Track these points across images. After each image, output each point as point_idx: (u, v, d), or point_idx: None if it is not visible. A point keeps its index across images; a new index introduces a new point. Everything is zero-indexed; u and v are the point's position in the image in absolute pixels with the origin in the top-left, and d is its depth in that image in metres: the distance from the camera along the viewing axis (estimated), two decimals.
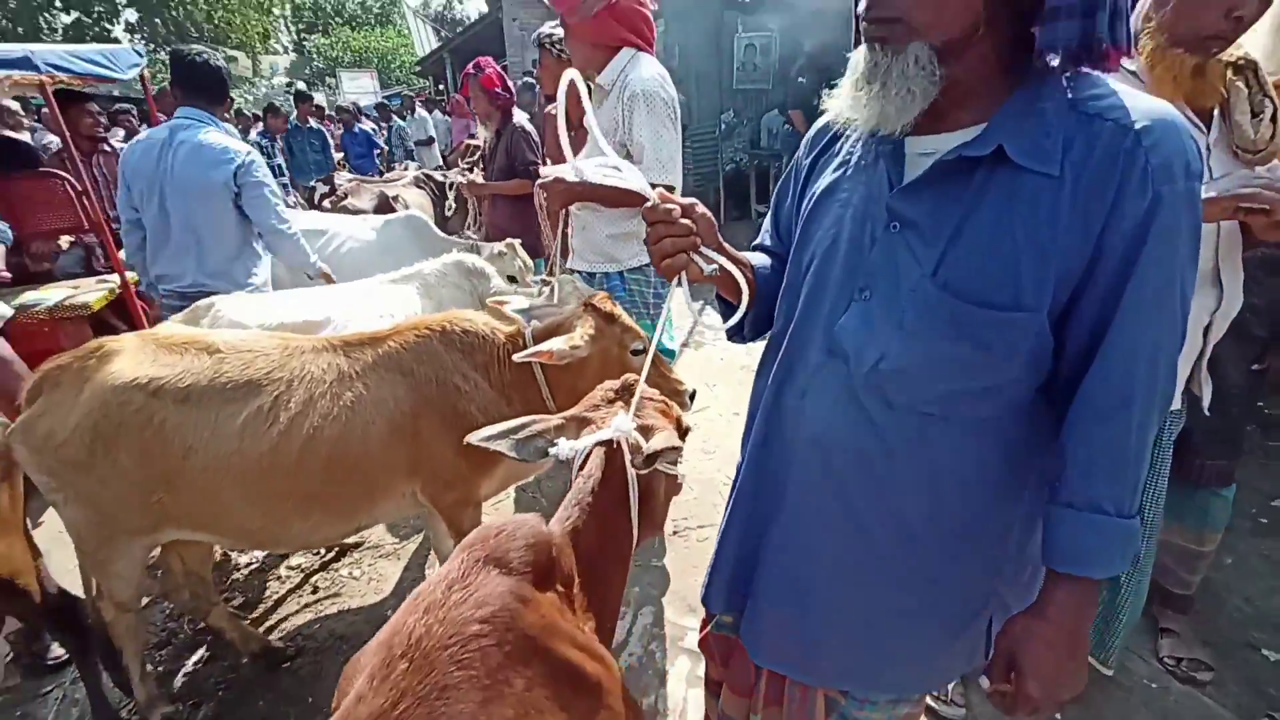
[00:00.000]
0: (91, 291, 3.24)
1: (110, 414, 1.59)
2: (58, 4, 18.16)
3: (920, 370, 0.81)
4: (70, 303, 3.10)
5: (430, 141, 9.69)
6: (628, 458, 1.07)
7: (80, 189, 3.28)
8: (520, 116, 3.77)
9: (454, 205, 4.75)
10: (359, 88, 21.03)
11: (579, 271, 2.43)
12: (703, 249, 0.89)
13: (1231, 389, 1.66)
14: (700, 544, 2.68)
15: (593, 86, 2.13)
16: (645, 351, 1.68)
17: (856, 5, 0.79)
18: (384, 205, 5.12)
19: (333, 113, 12.03)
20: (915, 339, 0.80)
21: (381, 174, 8.69)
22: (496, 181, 3.69)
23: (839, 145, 0.94)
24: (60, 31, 18.98)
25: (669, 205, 0.86)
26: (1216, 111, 1.30)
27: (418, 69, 18.26)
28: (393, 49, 29.26)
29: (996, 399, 0.82)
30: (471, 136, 6.34)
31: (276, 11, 25.24)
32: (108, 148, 4.05)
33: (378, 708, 0.72)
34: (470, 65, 3.66)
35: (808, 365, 0.92)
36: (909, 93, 0.74)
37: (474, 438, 1.12)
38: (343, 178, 6.38)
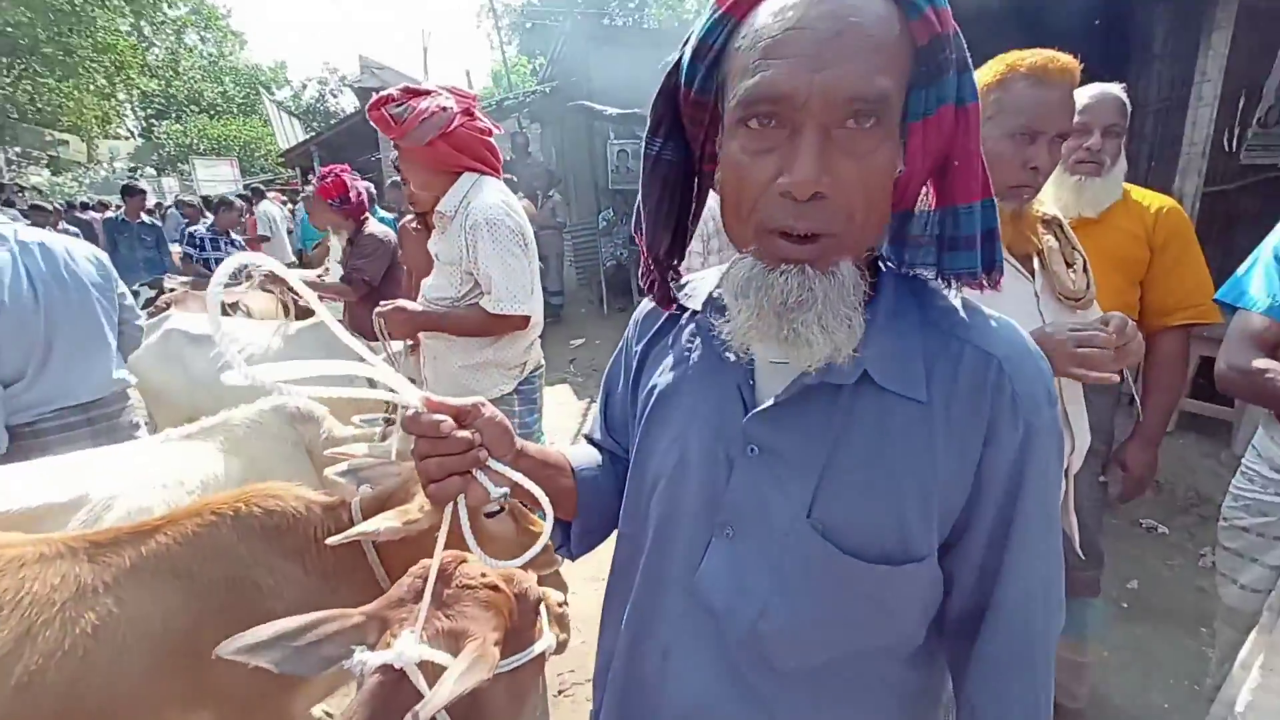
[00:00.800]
0: None
1: None
2: None
3: (809, 631, 0.68)
4: None
5: (264, 239, 8.58)
6: (419, 683, 0.85)
7: None
8: (373, 225, 3.53)
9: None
10: (215, 175, 19.73)
11: None
12: (491, 464, 0.68)
13: (1086, 504, 1.71)
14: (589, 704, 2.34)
15: (437, 214, 1.96)
16: (502, 511, 1.41)
17: (741, 215, 0.63)
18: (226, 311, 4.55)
19: (183, 200, 10.89)
20: (800, 594, 0.67)
21: None
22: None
23: (673, 334, 0.80)
24: None
25: (436, 416, 0.65)
26: (1036, 261, 1.36)
27: (282, 160, 17.52)
28: (257, 138, 28.12)
29: (894, 652, 0.71)
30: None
31: (121, 97, 23.45)
32: None
33: None
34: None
35: (668, 616, 0.74)
36: (847, 322, 0.61)
37: (225, 648, 0.90)
38: (176, 280, 5.65)
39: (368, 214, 3.59)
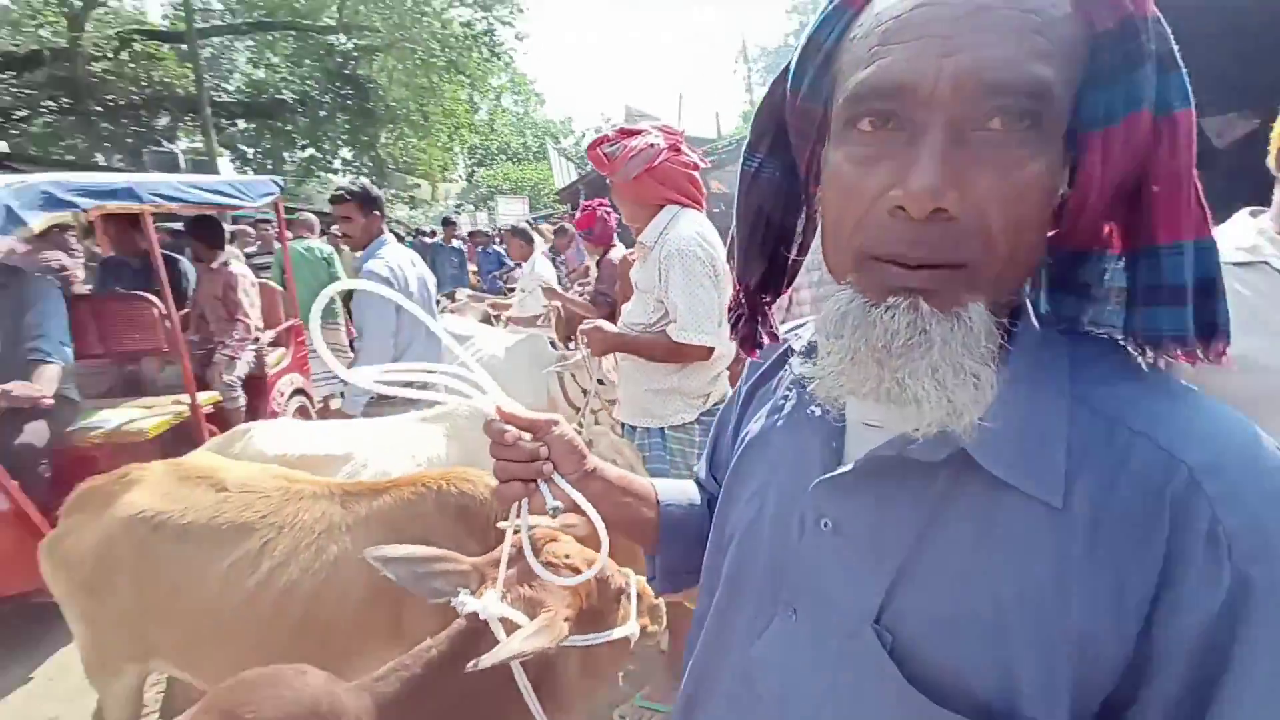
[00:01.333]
0: (153, 416, 3.20)
1: (116, 544, 1.63)
2: (299, 142, 23.01)
3: None
4: (127, 428, 3.06)
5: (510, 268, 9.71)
6: (499, 634, 0.98)
7: (164, 312, 3.36)
8: (615, 252, 3.96)
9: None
10: (512, 211, 24.03)
11: (624, 424, 2.30)
12: (556, 478, 0.70)
13: None
14: None
15: (638, 244, 2.10)
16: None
17: (836, 238, 0.52)
18: (486, 321, 5.49)
19: (484, 231, 13.54)
20: (854, 710, 0.52)
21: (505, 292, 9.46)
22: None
23: (777, 378, 0.72)
24: (298, 163, 23.94)
25: (503, 426, 0.69)
26: None
27: (558, 197, 20.60)
28: (544, 179, 33.47)
29: None
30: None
31: (456, 149, 29.98)
32: (228, 263, 4.01)
33: None
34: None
35: (713, 696, 0.66)
36: (973, 379, 0.46)
37: (370, 552, 1.08)
38: (463, 294, 6.99)
39: (613, 243, 4.05)
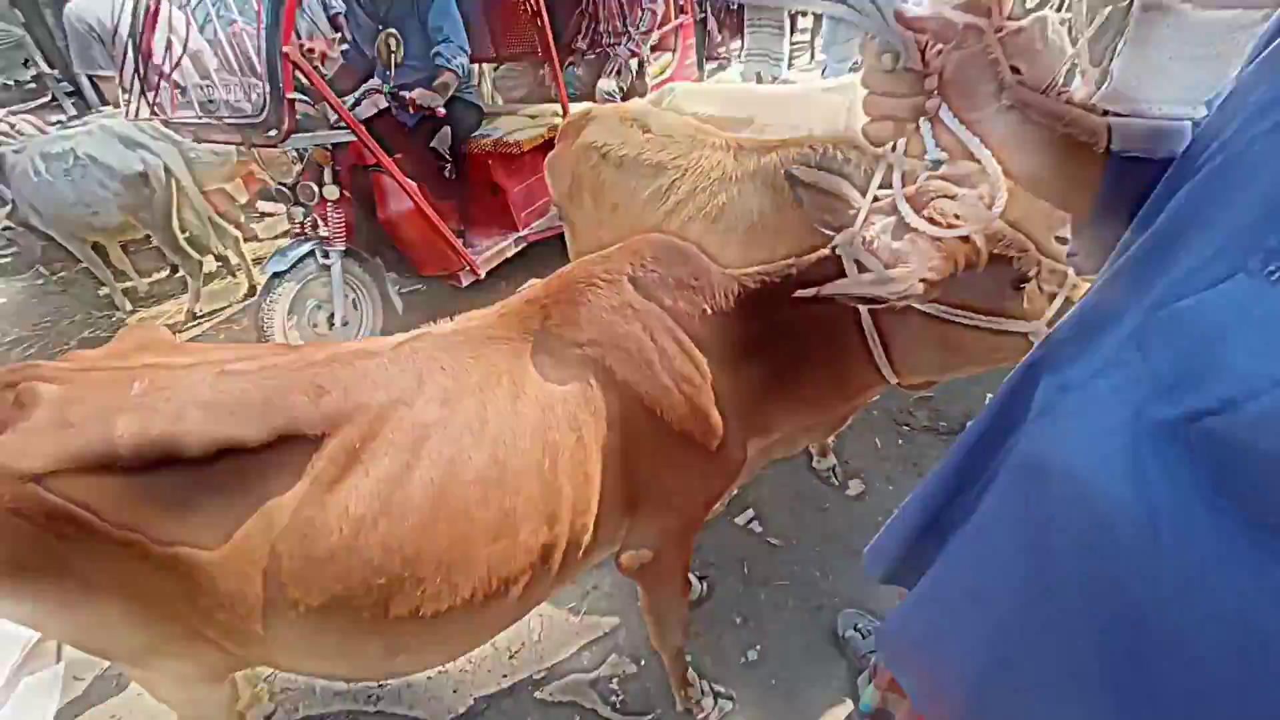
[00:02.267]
0: (532, 128, 3.27)
1: (579, 165, 2.14)
2: None
3: None
4: (506, 139, 3.16)
5: None
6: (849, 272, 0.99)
7: (535, 9, 3.12)
8: None
9: None
10: None
11: None
12: (944, 115, 0.57)
13: None
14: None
15: None
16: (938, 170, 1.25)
17: None
18: None
19: None
20: None
21: None
22: None
23: None
24: None
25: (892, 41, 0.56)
26: None
27: None
28: None
29: None
30: None
31: None
32: None
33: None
34: None
35: (1077, 364, 0.55)
36: None
37: (792, 168, 1.19)
38: None
39: None
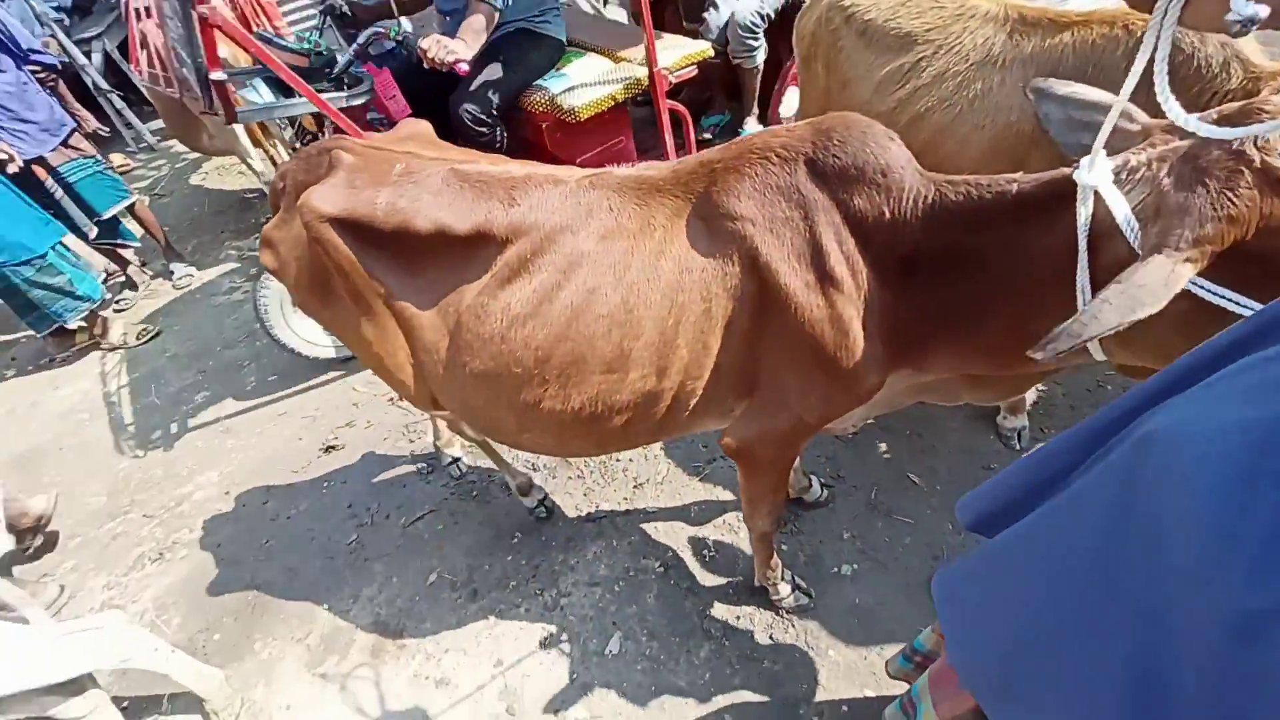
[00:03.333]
0: (598, 87, 2.41)
1: (821, 26, 1.90)
2: None
3: None
4: (561, 100, 2.36)
5: None
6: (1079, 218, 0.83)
7: None
8: None
9: None
10: None
11: None
12: None
13: None
14: None
15: None
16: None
17: None
18: None
19: None
20: None
21: None
22: None
23: None
24: None
25: None
26: None
27: None
28: None
29: None
30: None
31: None
32: None
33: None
34: None
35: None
36: None
37: (1036, 82, 1.01)
38: None
39: None
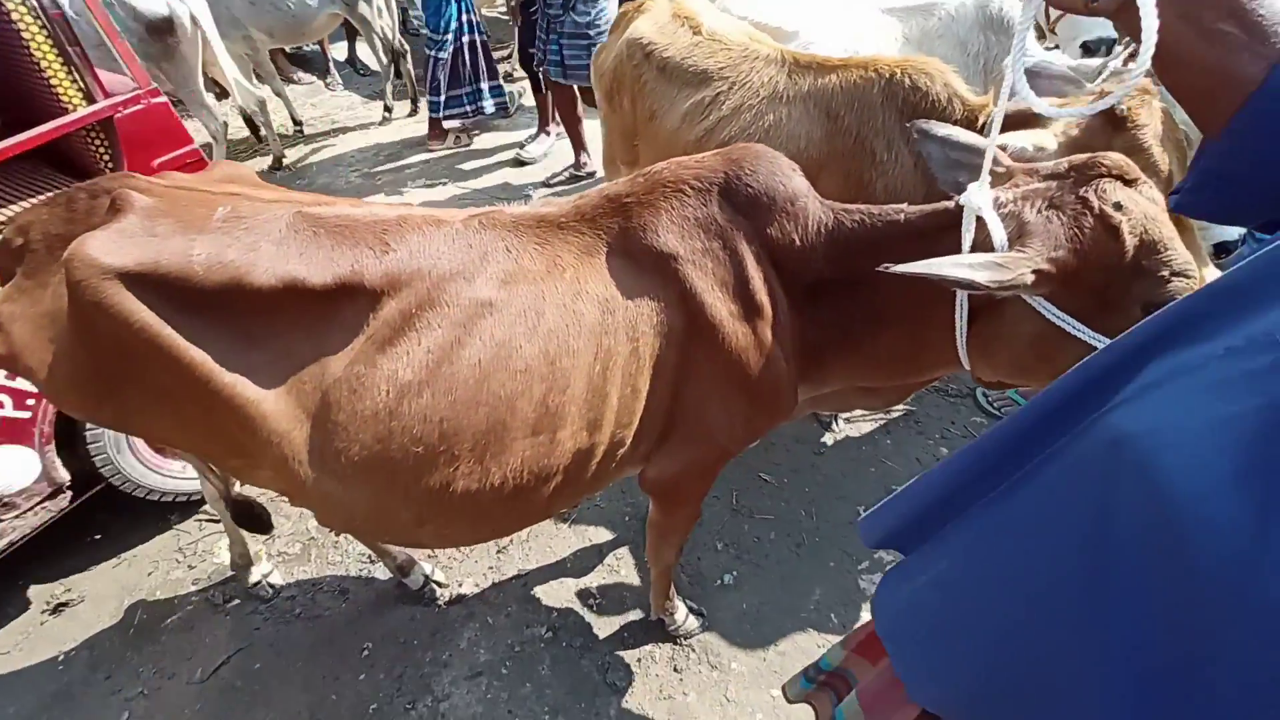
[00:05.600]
0: None
1: (623, 62, 1.97)
2: None
3: None
4: None
5: None
6: (965, 236, 0.89)
7: None
8: None
9: None
10: None
11: None
12: None
13: None
14: None
15: None
16: None
17: None
18: None
19: None
20: None
21: None
22: None
23: None
24: None
25: None
26: None
27: None
28: None
29: None
30: None
31: None
32: None
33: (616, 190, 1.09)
34: None
35: (1204, 344, 0.48)
36: None
37: (919, 123, 1.05)
38: None
39: None
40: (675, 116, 1.84)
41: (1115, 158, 0.85)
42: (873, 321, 1.08)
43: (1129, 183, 0.84)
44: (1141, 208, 0.80)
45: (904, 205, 1.04)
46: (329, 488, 1.01)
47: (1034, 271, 0.81)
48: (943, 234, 0.93)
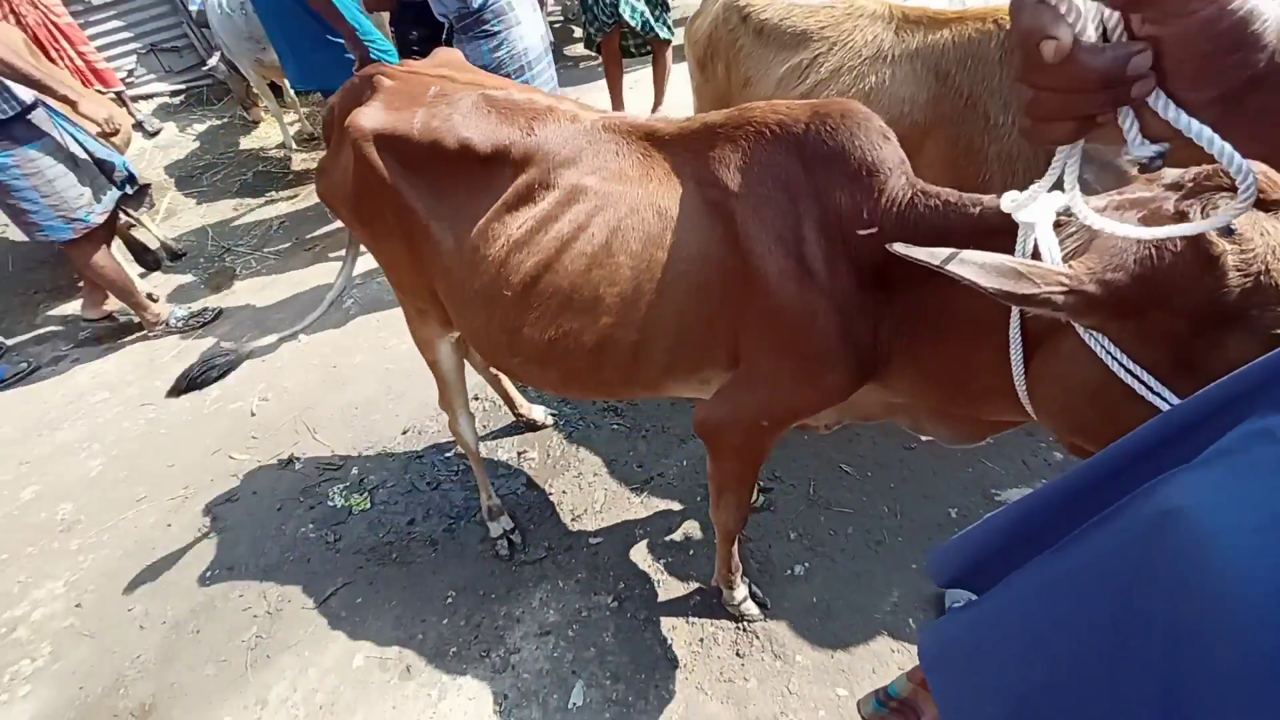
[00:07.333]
0: None
1: (719, 27, 1.88)
2: None
3: None
4: None
5: None
6: (1022, 245, 0.76)
7: None
8: None
9: None
10: None
11: None
12: (1157, 101, 0.40)
13: None
14: None
15: None
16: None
17: None
18: None
19: None
20: None
21: None
22: None
23: None
24: None
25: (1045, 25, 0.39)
26: None
27: None
28: None
29: None
30: None
31: None
32: None
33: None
34: None
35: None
36: None
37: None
38: None
39: None
40: (770, 82, 1.73)
41: (1260, 168, 0.62)
42: (931, 329, 0.97)
43: (1268, 206, 0.62)
44: (1273, 241, 0.60)
45: (989, 196, 0.89)
46: (466, 312, 1.32)
47: (1070, 291, 0.64)
48: (1011, 240, 0.77)
